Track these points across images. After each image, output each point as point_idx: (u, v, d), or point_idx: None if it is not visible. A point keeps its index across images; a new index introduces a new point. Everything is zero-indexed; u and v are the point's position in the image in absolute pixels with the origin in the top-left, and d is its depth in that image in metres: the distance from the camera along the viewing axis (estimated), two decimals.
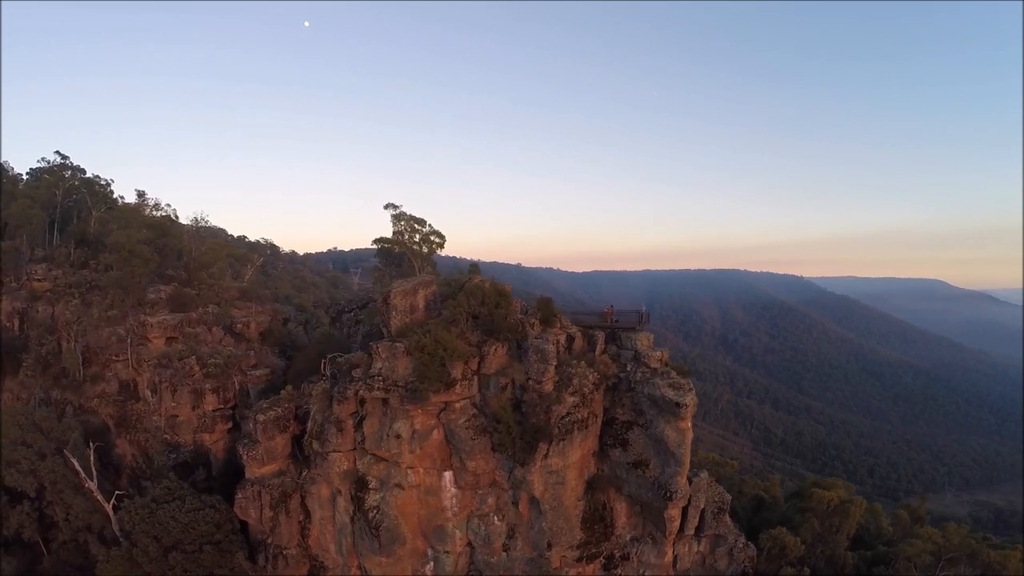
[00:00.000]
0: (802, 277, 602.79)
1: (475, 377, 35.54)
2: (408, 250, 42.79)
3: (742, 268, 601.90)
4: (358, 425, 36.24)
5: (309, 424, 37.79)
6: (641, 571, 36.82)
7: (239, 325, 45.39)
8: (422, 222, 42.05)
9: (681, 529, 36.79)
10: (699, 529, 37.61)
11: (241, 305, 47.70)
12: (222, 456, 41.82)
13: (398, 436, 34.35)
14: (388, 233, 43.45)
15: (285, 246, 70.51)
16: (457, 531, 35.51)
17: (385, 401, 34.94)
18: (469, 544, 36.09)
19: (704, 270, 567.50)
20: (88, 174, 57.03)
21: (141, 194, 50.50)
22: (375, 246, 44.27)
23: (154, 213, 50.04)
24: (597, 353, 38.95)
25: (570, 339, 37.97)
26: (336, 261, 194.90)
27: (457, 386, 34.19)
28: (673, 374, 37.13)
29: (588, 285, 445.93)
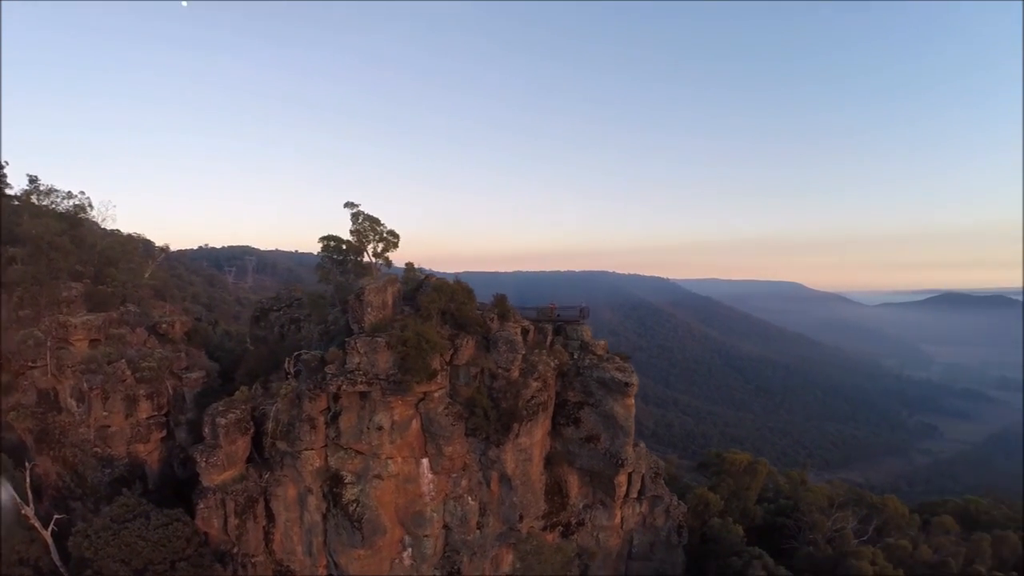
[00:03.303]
0: (667, 279, 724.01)
1: (448, 368, 46.07)
2: (365, 249, 51.01)
3: (610, 270, 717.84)
4: (331, 421, 44.63)
5: (270, 424, 45.09)
6: (595, 533, 50.34)
7: (163, 326, 49.95)
8: (378, 221, 50.56)
9: (626, 493, 50.98)
10: (640, 492, 52.01)
11: (156, 304, 52.19)
12: (157, 467, 47.02)
13: (379, 428, 43.43)
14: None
15: (157, 241, 71.82)
16: (435, 515, 45.44)
17: (363, 395, 43.82)
18: (445, 526, 46.44)
19: (574, 272, 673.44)
20: None
21: (33, 180, 51.47)
22: (321, 243, 51.27)
23: (66, 202, 51.57)
24: (549, 344, 51.82)
25: (525, 332, 49.95)
26: (209, 259, 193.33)
27: (438, 376, 44.40)
28: (617, 359, 51.45)
29: None
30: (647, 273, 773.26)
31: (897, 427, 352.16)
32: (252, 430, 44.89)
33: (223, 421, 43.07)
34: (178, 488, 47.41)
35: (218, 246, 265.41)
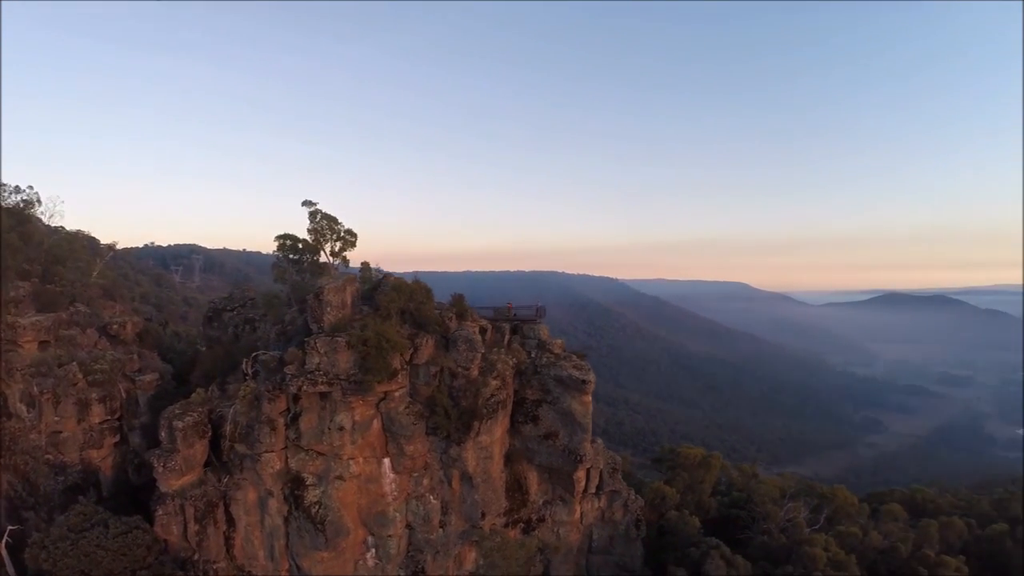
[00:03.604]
0: (617, 279, 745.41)
1: (408, 367, 46.97)
2: (323, 248, 51.48)
3: (560, 270, 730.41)
4: (290, 423, 45.04)
5: (228, 427, 45.26)
6: (555, 529, 51.90)
7: (114, 326, 49.40)
8: (336, 220, 51.07)
9: (585, 489, 52.68)
10: (599, 487, 53.78)
11: (105, 304, 51.57)
12: (111, 474, 46.62)
13: (341, 428, 44.05)
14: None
15: (101, 239, 70.13)
16: (397, 514, 46.27)
17: (323, 395, 44.37)
18: (408, 526, 47.28)
19: (524, 271, 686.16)
20: None
21: None
22: (277, 242, 51.46)
23: (13, 197, 50.28)
24: (507, 343, 53.21)
25: (483, 331, 51.20)
26: (155, 257, 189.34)
27: (399, 376, 45.26)
28: (574, 358, 53.28)
29: None
30: (596, 273, 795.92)
31: (843, 422, 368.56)
32: (210, 433, 44.88)
33: (180, 424, 42.92)
34: (133, 495, 47.09)
35: (164, 244, 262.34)
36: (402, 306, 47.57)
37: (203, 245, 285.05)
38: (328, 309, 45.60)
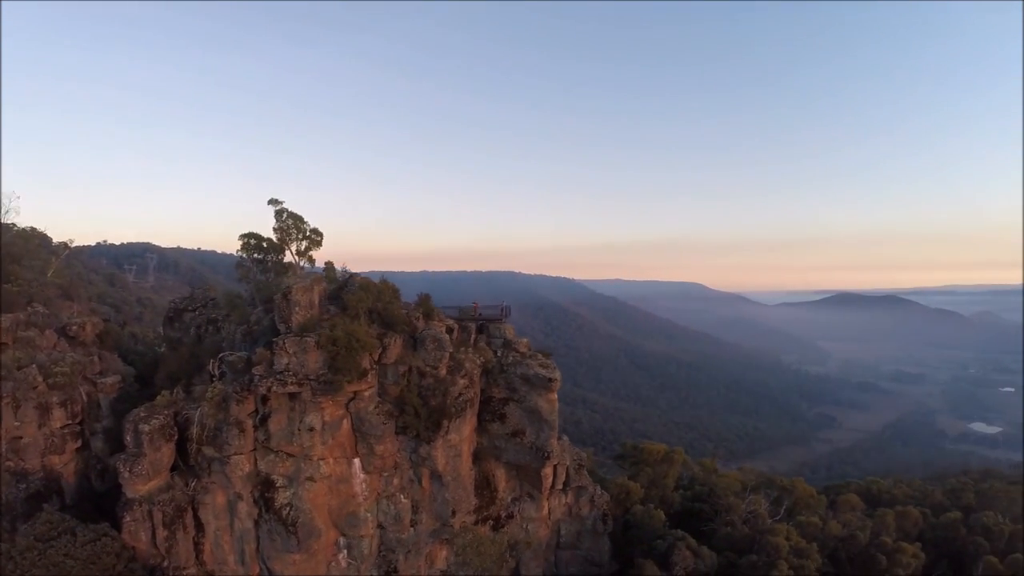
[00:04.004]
0: (573, 280, 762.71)
1: (377, 367, 47.94)
2: (288, 247, 52.00)
3: (517, 271, 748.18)
4: (259, 424, 45.56)
5: (195, 430, 45.50)
6: (524, 525, 53.52)
7: (73, 327, 49.02)
8: (302, 219, 51.61)
9: (552, 485, 54.39)
10: (565, 483, 55.55)
11: (63, 304, 51.13)
12: (73, 480, 46.32)
13: (311, 429, 44.75)
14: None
15: (54, 237, 68.68)
16: (369, 515, 47.11)
17: (293, 396, 45.03)
18: (379, 525, 48.20)
19: (480, 271, 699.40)
20: None
21: None
22: (241, 241, 51.72)
23: None
24: (473, 342, 54.64)
25: (450, 330, 52.52)
26: (107, 256, 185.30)
27: (368, 375, 46.23)
28: (540, 356, 55.03)
29: None
30: (553, 274, 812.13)
31: (798, 419, 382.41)
32: (176, 436, 45.04)
33: (146, 428, 42.87)
34: (97, 501, 46.93)
35: (117, 243, 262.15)
36: (370, 306, 48.55)
37: (157, 244, 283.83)
38: (296, 309, 46.29)
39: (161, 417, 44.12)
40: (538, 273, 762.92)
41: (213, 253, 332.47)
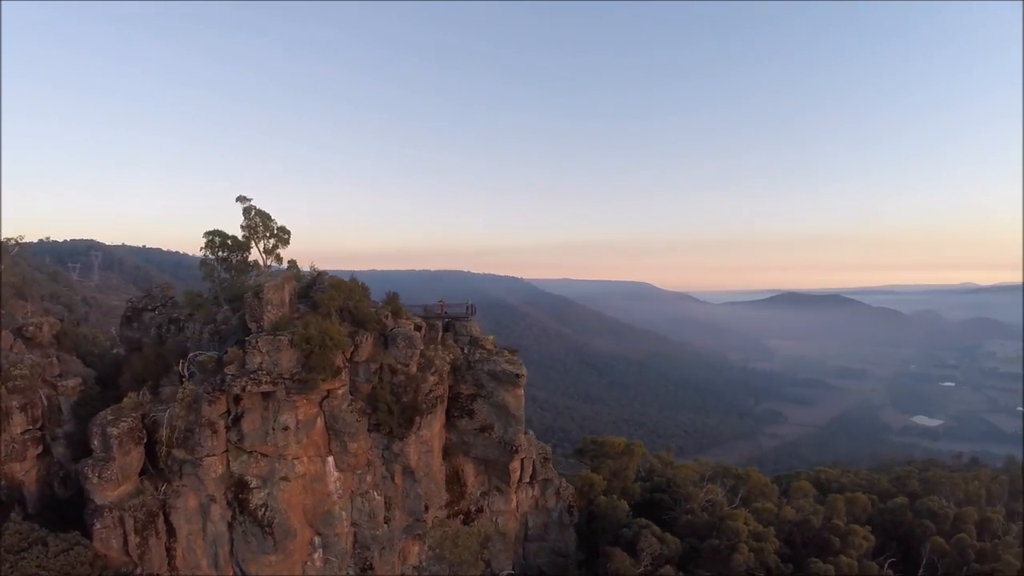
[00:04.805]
0: (522, 279, 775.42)
1: (349, 365, 49.85)
2: (256, 245, 53.15)
3: (465, 270, 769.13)
4: (232, 424, 46.80)
5: (164, 432, 46.39)
6: (494, 518, 56.28)
7: (30, 328, 48.92)
8: (269, 217, 52.79)
9: (520, 478, 57.26)
10: (532, 476, 58.60)
11: (16, 304, 50.99)
12: (35, 488, 46.38)
13: (285, 428, 46.25)
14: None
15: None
16: (343, 513, 48.88)
17: (266, 395, 46.48)
18: (353, 523, 50.02)
19: (429, 271, 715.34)
20: None
21: None
22: (206, 239, 52.42)
23: None
24: (440, 339, 57.08)
25: (418, 328, 54.84)
26: (51, 254, 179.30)
27: (342, 373, 48.11)
28: (507, 353, 57.93)
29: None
30: (501, 273, 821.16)
31: (745, 414, 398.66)
32: (145, 439, 45.63)
33: (115, 431, 43.18)
34: (60, 510, 46.83)
35: (60, 240, 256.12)
36: (341, 304, 50.34)
37: (101, 241, 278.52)
38: (268, 307, 47.60)
39: (129, 420, 44.51)
40: (487, 272, 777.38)
41: (159, 251, 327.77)
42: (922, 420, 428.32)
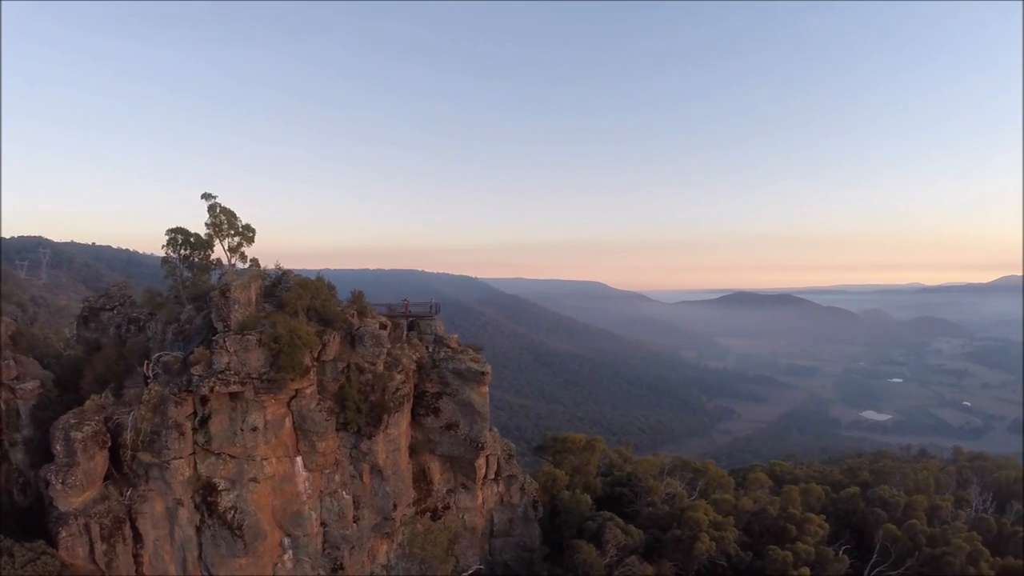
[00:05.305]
0: (476, 278, 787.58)
1: (316, 364, 50.81)
2: (221, 243, 53.41)
3: (419, 269, 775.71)
4: (199, 426, 47.24)
5: (129, 435, 46.57)
6: (461, 515, 57.89)
7: None
8: (234, 215, 53.07)
9: (485, 475, 59.06)
10: (497, 473, 60.49)
11: None
12: None
13: (254, 428, 46.91)
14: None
15: None
16: (312, 513, 49.71)
17: (234, 396, 47.09)
18: (323, 523, 50.92)
19: (383, 270, 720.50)
20: None
21: None
22: (168, 236, 52.30)
23: None
24: (405, 338, 58.49)
25: (383, 327, 56.10)
26: None
27: (310, 373, 49.09)
28: (471, 351, 59.72)
29: None
30: (456, 272, 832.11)
31: (698, 411, 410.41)
32: (110, 443, 45.35)
33: (79, 435, 42.99)
34: (19, 518, 46.33)
35: (7, 236, 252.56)
36: (308, 303, 51.27)
37: (49, 238, 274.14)
38: (235, 307, 48.07)
39: (93, 423, 44.29)
40: (441, 271, 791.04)
41: (109, 248, 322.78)
42: (871, 415, 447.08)
